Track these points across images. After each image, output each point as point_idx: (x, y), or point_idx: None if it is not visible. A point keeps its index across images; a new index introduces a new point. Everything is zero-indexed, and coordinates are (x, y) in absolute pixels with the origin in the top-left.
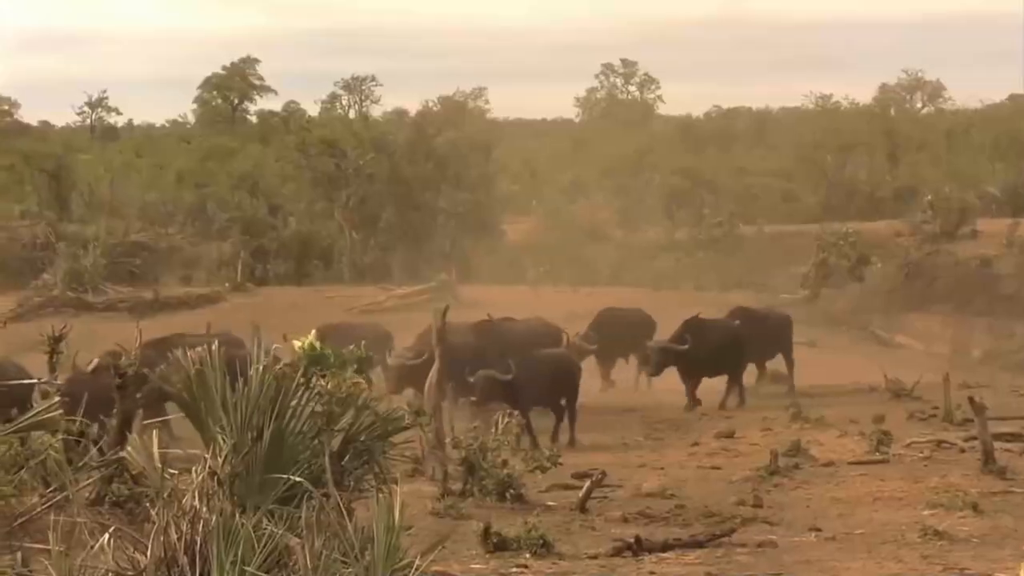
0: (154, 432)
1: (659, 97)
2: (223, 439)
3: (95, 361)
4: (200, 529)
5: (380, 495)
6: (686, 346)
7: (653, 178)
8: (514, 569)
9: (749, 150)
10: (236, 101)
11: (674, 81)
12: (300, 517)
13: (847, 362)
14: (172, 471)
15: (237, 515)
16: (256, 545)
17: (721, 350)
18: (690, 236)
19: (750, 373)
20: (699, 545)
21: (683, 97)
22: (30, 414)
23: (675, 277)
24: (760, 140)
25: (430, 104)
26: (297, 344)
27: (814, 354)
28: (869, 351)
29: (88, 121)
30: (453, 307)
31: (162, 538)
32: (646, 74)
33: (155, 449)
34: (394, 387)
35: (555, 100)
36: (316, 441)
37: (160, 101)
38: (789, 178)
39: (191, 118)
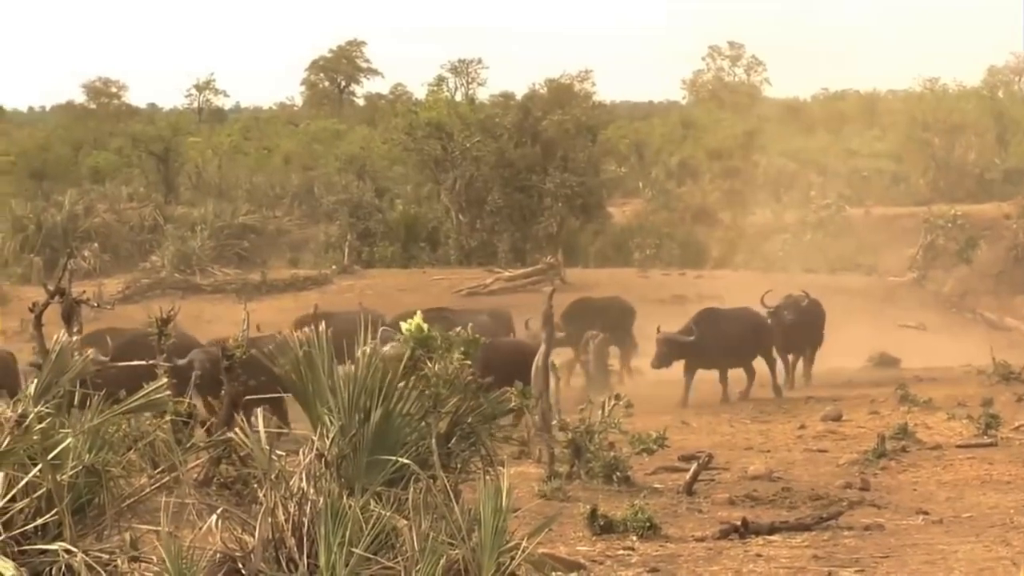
0: (261, 413)
1: (766, 79)
2: (331, 420)
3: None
4: (308, 510)
5: (487, 477)
6: (692, 338)
7: (761, 160)
8: (621, 551)
9: (859, 132)
10: (343, 83)
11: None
12: (407, 499)
13: (955, 345)
14: (280, 452)
15: (344, 497)
16: (363, 527)
17: (736, 341)
18: (798, 218)
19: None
20: (806, 528)
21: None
22: (138, 395)
23: (784, 259)
24: (871, 122)
25: (537, 87)
26: (404, 326)
27: (922, 336)
28: (977, 333)
29: (195, 104)
30: (559, 290)
31: (270, 519)
32: (753, 56)
33: (263, 430)
34: None
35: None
36: (423, 423)
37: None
38: (898, 160)
39: (298, 100)
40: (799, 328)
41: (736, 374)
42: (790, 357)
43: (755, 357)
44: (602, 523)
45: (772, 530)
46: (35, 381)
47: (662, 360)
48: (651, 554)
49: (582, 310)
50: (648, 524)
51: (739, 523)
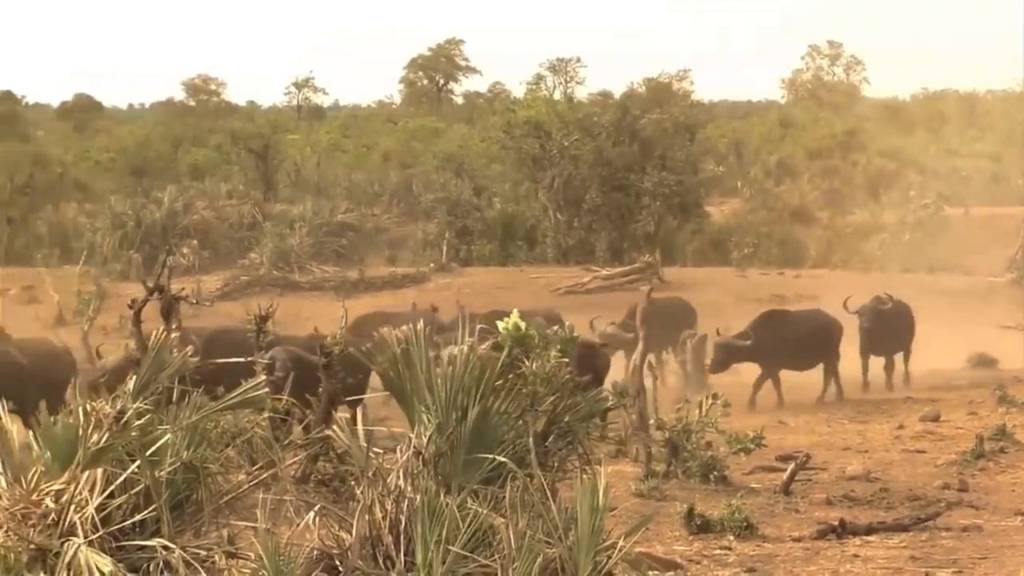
0: (359, 410)
1: (865, 79)
2: (428, 418)
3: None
4: (405, 508)
5: (584, 476)
6: (748, 342)
7: (860, 159)
8: (718, 551)
9: (958, 132)
10: (442, 81)
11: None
12: (504, 497)
13: None
14: (377, 450)
15: (442, 494)
16: (460, 524)
17: (799, 343)
18: (897, 218)
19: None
20: (903, 529)
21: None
22: (237, 392)
23: (882, 259)
24: (970, 122)
25: (635, 86)
26: (502, 324)
27: (1021, 337)
28: None
29: (295, 101)
30: (656, 289)
31: (367, 517)
32: (852, 56)
33: (360, 428)
34: None
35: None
36: (520, 421)
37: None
38: (997, 160)
39: (397, 98)
40: (883, 331)
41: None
42: (885, 360)
43: (822, 359)
44: (699, 522)
45: (870, 531)
46: (134, 377)
47: (719, 364)
48: (748, 554)
49: (658, 308)
50: (745, 524)
51: (836, 523)
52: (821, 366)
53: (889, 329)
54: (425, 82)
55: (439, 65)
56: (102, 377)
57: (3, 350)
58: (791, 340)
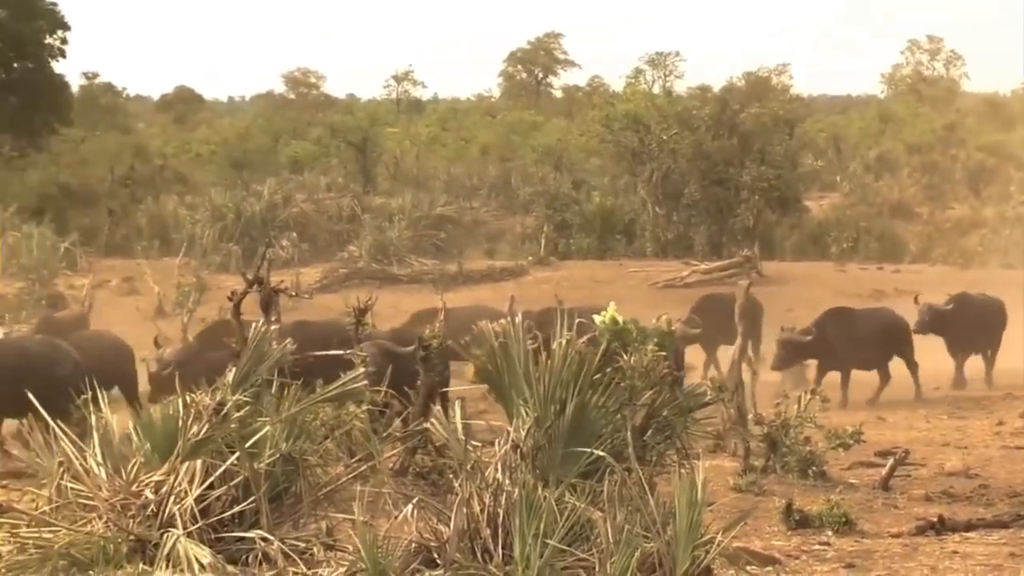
0: (457, 404)
1: (965, 73)
2: (526, 412)
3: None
4: (503, 501)
5: (682, 470)
6: (809, 338)
7: (960, 154)
8: (816, 546)
9: None
10: (540, 75)
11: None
12: (602, 491)
13: None
14: (475, 443)
15: (539, 488)
16: (558, 518)
17: (865, 341)
18: (997, 213)
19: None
20: (1003, 526)
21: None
22: (336, 384)
23: (982, 255)
24: None
25: (734, 80)
26: (599, 318)
27: None
28: None
29: (394, 95)
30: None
31: (465, 510)
32: (952, 51)
33: (459, 421)
34: None
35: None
36: (618, 416)
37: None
38: None
39: (496, 92)
40: (970, 327)
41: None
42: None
43: (890, 358)
44: (797, 518)
45: (969, 527)
46: (234, 370)
47: (782, 362)
48: (846, 549)
49: (712, 305)
50: (844, 519)
51: (935, 520)
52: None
53: (982, 324)
54: (524, 76)
55: (538, 59)
56: (164, 370)
57: (55, 343)
58: (855, 338)
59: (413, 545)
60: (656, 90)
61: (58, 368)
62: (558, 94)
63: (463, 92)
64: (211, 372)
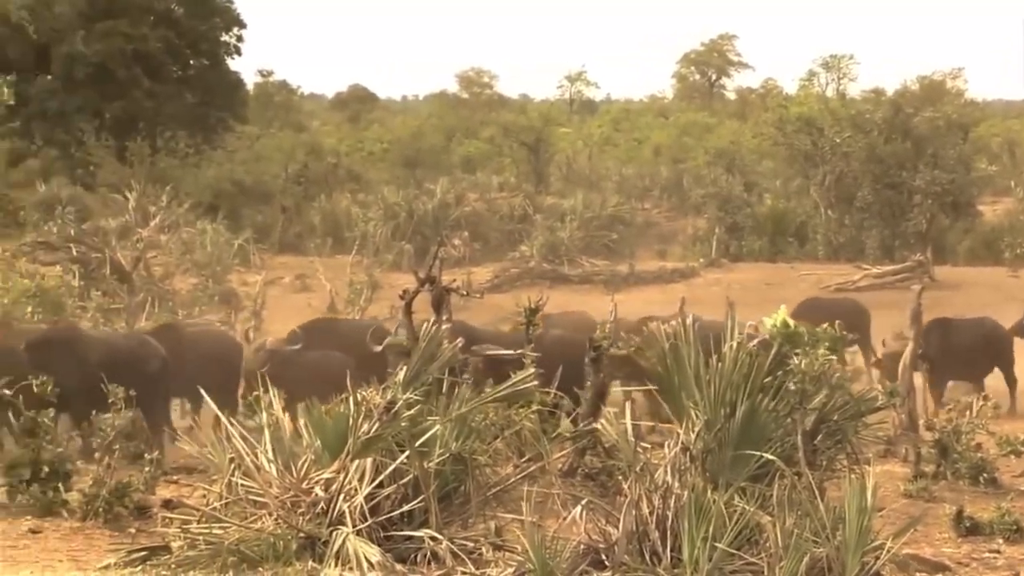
0: (627, 405)
1: None
2: (696, 415)
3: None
4: (672, 504)
5: (852, 476)
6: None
7: None
8: (987, 554)
9: None
10: (714, 77)
11: None
12: (771, 495)
13: None
14: (644, 445)
15: (709, 491)
16: (727, 521)
17: (965, 353)
18: None
19: None
20: None
21: None
22: (506, 384)
23: None
24: None
25: (908, 83)
26: (769, 321)
27: None
28: None
29: (567, 95)
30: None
31: (634, 512)
32: None
33: (628, 422)
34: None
35: None
36: (789, 420)
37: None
38: None
39: (669, 93)
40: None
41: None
42: None
43: (989, 370)
44: (968, 525)
45: None
46: (403, 368)
47: (888, 372)
48: (1017, 558)
49: (812, 309)
50: (1015, 527)
51: None
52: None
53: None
54: (697, 77)
55: (712, 60)
56: (261, 366)
57: (143, 338)
58: (956, 349)
59: (581, 546)
60: (829, 93)
61: (146, 363)
62: (731, 96)
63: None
64: (307, 370)
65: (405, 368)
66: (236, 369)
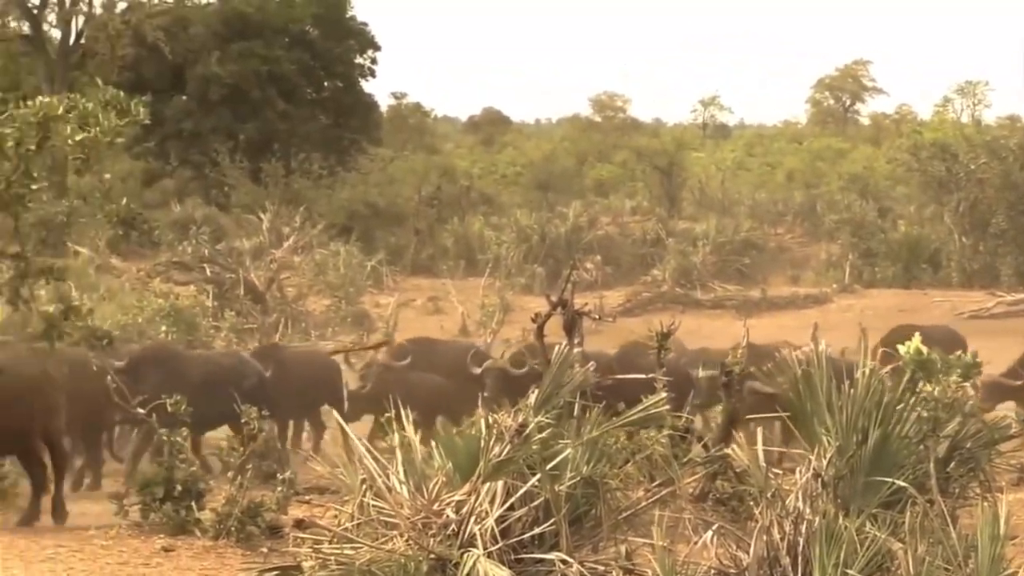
0: (759, 431)
1: None
2: (828, 440)
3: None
4: (803, 530)
5: (984, 503)
6: (1019, 382)
7: None
8: None
9: None
10: (848, 102)
11: None
12: (903, 522)
13: None
14: (776, 471)
15: (840, 517)
16: (858, 548)
17: None
18: None
19: None
20: None
21: None
22: (638, 408)
23: None
24: None
25: None
26: (903, 348)
27: None
28: None
29: (700, 119)
30: None
31: (765, 537)
32: None
33: (760, 448)
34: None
35: None
36: (921, 447)
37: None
38: None
39: (802, 118)
40: None
41: None
42: None
43: None
44: None
45: None
46: (535, 391)
47: (985, 402)
48: None
49: (904, 336)
50: None
51: None
52: None
53: None
54: (831, 102)
55: (845, 85)
56: (362, 388)
57: (241, 356)
58: None
59: (712, 571)
60: (964, 119)
61: (244, 381)
62: (865, 121)
63: (770, 118)
64: (410, 391)
65: (537, 391)
66: (337, 389)
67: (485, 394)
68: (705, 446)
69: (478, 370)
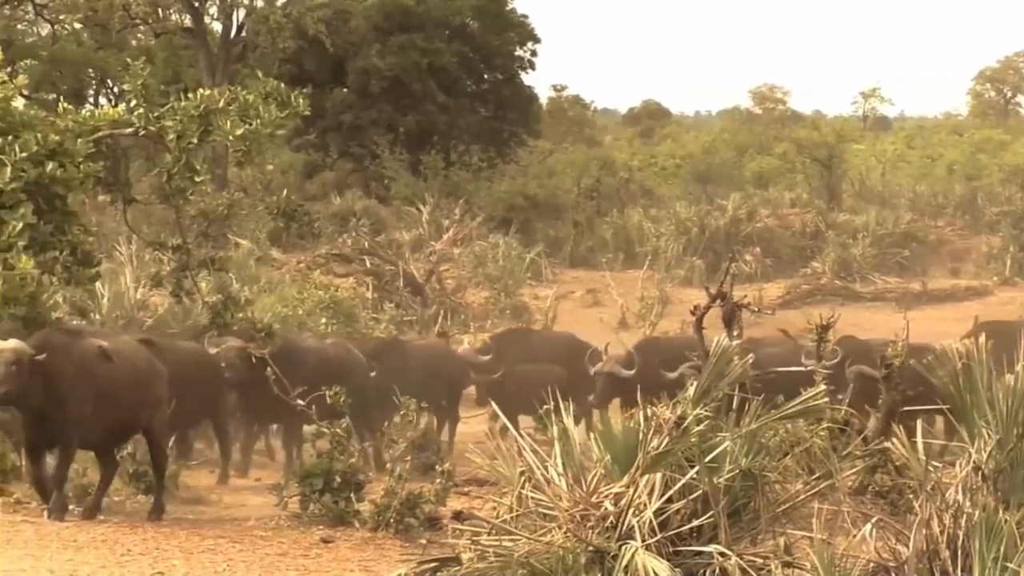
0: (919, 423)
1: None
2: (988, 434)
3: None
4: (963, 523)
5: None
6: None
7: None
8: None
9: None
10: (1009, 94)
11: None
12: None
13: None
14: (935, 464)
15: (1000, 511)
16: (1019, 542)
17: None
18: None
19: None
20: None
21: None
22: (797, 401)
23: None
24: None
25: None
26: None
27: None
28: None
29: (860, 111)
30: None
31: (924, 531)
32: None
33: (920, 441)
34: None
35: None
36: None
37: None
38: None
39: (963, 110)
40: None
41: None
42: None
43: None
44: None
45: None
46: (694, 384)
47: None
48: None
49: (994, 334)
50: None
51: None
52: None
53: None
54: (992, 94)
55: (1007, 78)
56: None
57: (349, 347)
58: None
59: (871, 564)
60: None
61: (352, 372)
62: None
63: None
64: (522, 385)
65: (695, 384)
66: (457, 382)
67: (594, 397)
68: (864, 439)
69: (593, 369)
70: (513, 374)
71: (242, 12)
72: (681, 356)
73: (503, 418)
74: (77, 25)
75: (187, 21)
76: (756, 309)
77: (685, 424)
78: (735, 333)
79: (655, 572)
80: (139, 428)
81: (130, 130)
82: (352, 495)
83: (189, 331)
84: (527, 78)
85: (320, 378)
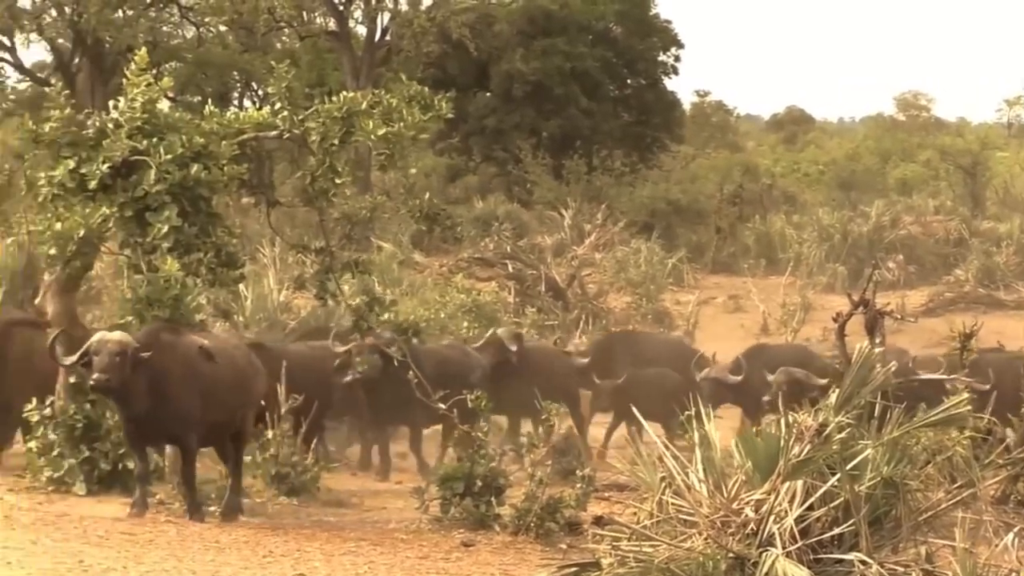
0: None
1: None
2: None
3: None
4: None
5: None
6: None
7: None
8: None
9: None
10: None
11: None
12: None
13: None
14: None
15: None
16: None
17: None
18: None
19: None
20: None
21: None
22: (940, 409)
23: None
24: None
25: None
26: None
27: None
28: None
29: (1005, 118)
30: None
31: None
32: None
33: None
34: None
35: None
36: None
37: None
38: None
39: None
40: None
41: None
42: None
43: None
44: None
45: None
46: (835, 391)
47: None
48: None
49: None
50: None
51: None
52: None
53: None
54: None
55: None
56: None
57: (466, 350)
58: None
59: (1013, 574)
60: None
61: (469, 374)
62: None
63: None
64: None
65: (837, 391)
66: (572, 385)
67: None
68: (1007, 448)
69: (700, 375)
70: (635, 379)
71: (386, 16)
72: (787, 363)
73: (643, 424)
74: (222, 28)
75: (331, 24)
76: (899, 316)
77: (827, 431)
78: (878, 340)
79: None
80: (234, 428)
81: (274, 133)
82: (493, 499)
83: (294, 334)
84: (670, 83)
85: (438, 380)
